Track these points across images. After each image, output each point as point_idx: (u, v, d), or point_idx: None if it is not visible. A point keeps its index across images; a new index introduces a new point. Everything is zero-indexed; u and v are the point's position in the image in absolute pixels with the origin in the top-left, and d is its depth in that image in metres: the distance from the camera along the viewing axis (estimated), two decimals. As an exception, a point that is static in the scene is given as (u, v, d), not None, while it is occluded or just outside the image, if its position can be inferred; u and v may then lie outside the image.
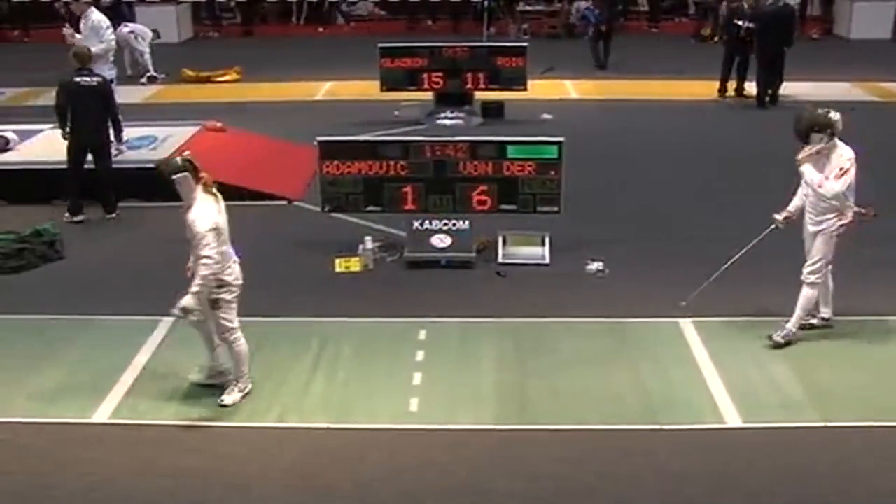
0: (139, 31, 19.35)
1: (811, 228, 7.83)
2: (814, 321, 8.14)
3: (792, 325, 7.90)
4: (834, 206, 7.64)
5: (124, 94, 16.28)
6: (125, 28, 19.34)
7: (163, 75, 19.30)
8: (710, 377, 7.50)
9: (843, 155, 7.63)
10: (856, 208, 7.73)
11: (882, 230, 10.51)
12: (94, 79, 10.76)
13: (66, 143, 10.82)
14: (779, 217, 8.02)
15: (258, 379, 7.49)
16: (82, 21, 12.92)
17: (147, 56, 19.30)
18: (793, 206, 8.04)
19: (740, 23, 16.66)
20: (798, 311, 7.90)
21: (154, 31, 19.80)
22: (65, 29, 13.15)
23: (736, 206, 10.65)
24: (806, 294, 7.86)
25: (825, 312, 8.18)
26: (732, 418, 6.96)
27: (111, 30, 13.18)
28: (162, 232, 10.70)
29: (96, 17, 12.97)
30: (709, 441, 6.71)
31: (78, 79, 10.65)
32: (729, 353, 7.83)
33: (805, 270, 7.84)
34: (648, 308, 8.65)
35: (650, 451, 6.58)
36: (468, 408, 7.13)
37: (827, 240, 7.75)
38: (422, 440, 6.73)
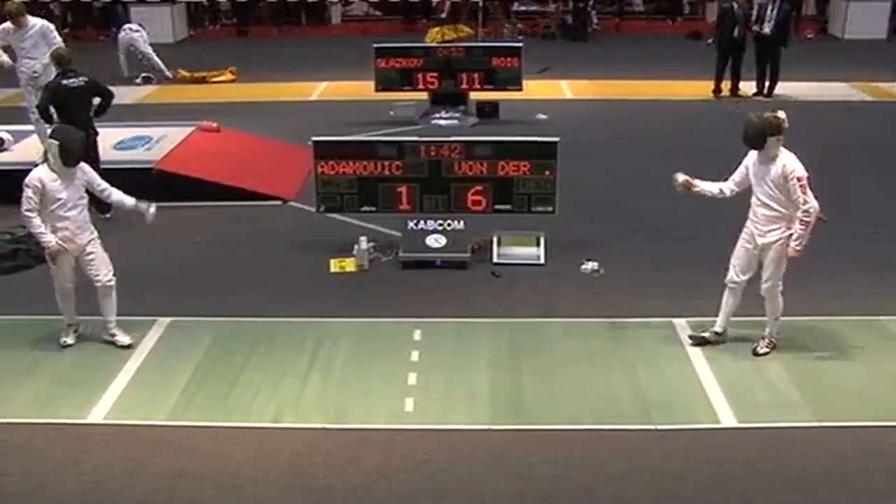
0: (144, 35, 19.38)
1: (760, 241, 7.58)
2: (706, 335, 8.00)
3: (771, 330, 7.83)
4: (785, 216, 7.42)
5: (119, 95, 16.30)
6: (132, 32, 19.34)
7: (170, 75, 19.40)
8: (705, 377, 7.52)
9: (788, 165, 7.32)
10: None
11: (880, 230, 10.59)
12: (81, 79, 10.64)
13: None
14: (682, 178, 7.88)
15: (255, 379, 7.51)
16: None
17: (156, 57, 19.32)
18: (704, 186, 7.89)
19: (756, 28, 16.76)
20: (771, 321, 7.81)
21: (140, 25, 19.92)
22: None
23: (731, 205, 10.66)
24: (776, 303, 7.74)
25: (719, 327, 7.97)
26: (727, 418, 6.97)
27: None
28: (156, 232, 10.67)
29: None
30: (703, 441, 6.72)
31: (64, 81, 10.51)
32: (724, 353, 7.85)
33: (764, 286, 7.66)
34: (643, 308, 8.66)
35: (645, 451, 6.59)
36: (463, 408, 7.14)
37: (780, 252, 7.51)
38: (417, 440, 6.73)
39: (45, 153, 7.84)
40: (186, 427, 6.92)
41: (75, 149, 7.73)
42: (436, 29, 22.98)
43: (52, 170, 7.68)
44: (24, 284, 9.38)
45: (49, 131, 7.85)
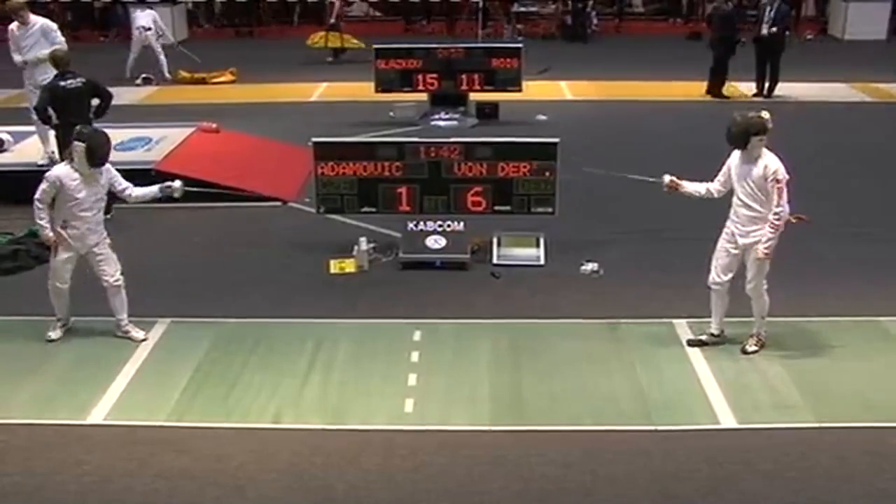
0: (157, 28, 19.37)
1: (741, 241, 7.60)
2: (703, 337, 8.00)
3: (759, 329, 7.87)
4: (766, 216, 7.44)
5: (119, 96, 16.31)
6: (144, 31, 19.26)
7: (168, 77, 19.40)
8: (705, 378, 7.52)
9: (770, 165, 7.35)
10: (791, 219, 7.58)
11: (880, 231, 10.60)
12: (79, 80, 10.58)
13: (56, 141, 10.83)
14: (668, 179, 8.03)
15: (254, 380, 7.51)
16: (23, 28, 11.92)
17: (163, 57, 19.33)
18: (691, 187, 7.99)
19: (765, 32, 16.86)
20: (758, 320, 7.85)
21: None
22: None
23: (730, 206, 10.67)
24: (761, 303, 7.77)
25: (714, 328, 7.98)
26: (727, 419, 6.97)
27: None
28: (156, 233, 10.74)
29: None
30: (703, 442, 6.72)
31: (62, 82, 10.49)
32: (723, 354, 7.85)
33: (748, 286, 7.69)
34: (643, 309, 8.67)
35: (645, 452, 6.59)
36: (463, 408, 7.14)
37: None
38: (417, 441, 6.73)
39: (70, 153, 7.97)
40: (186, 427, 6.92)
41: (101, 151, 7.90)
42: (320, 33, 21.70)
43: (75, 169, 7.86)
44: (24, 284, 9.37)
45: (75, 133, 7.97)
